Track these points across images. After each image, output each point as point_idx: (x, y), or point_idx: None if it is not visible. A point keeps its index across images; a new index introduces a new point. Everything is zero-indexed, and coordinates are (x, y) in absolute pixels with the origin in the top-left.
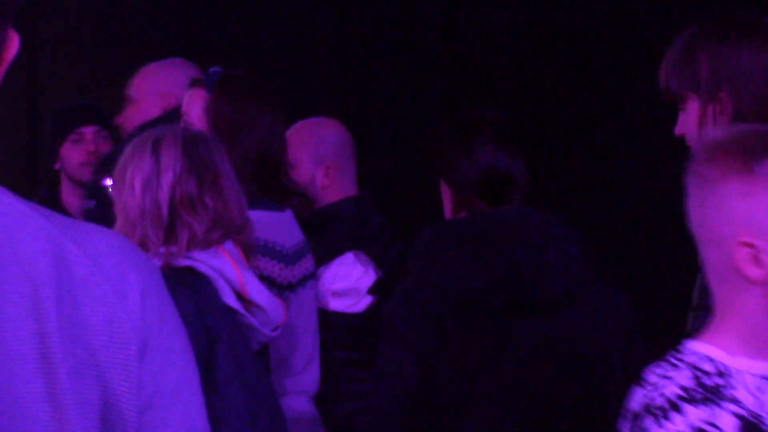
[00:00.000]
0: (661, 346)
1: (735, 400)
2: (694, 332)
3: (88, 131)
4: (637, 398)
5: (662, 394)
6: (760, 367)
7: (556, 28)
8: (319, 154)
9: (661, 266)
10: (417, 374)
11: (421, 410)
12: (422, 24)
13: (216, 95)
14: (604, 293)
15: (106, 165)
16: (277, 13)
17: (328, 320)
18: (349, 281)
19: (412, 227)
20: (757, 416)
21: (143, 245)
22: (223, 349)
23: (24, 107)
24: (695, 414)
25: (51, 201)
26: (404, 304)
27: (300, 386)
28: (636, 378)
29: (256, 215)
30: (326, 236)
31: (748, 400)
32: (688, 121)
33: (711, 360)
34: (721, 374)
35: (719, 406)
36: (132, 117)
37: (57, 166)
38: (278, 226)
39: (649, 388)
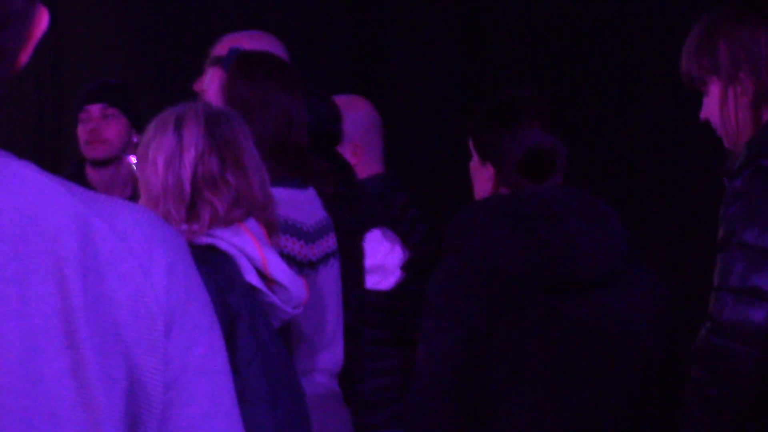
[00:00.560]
0: (687, 326)
1: None
2: (715, 313)
3: (94, 109)
4: None
5: None
6: None
7: (577, 8)
8: (347, 132)
9: (683, 248)
10: (466, 351)
11: (469, 387)
12: (440, 8)
13: (231, 74)
14: (640, 273)
15: None
16: (294, 3)
17: (369, 300)
18: (376, 258)
19: (435, 207)
20: None
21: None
22: (244, 327)
23: (50, 85)
24: None
25: (76, 178)
26: (451, 281)
27: (322, 364)
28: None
29: (276, 193)
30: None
31: None
32: (711, 105)
33: None
34: None
35: None
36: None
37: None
38: (299, 204)
39: None
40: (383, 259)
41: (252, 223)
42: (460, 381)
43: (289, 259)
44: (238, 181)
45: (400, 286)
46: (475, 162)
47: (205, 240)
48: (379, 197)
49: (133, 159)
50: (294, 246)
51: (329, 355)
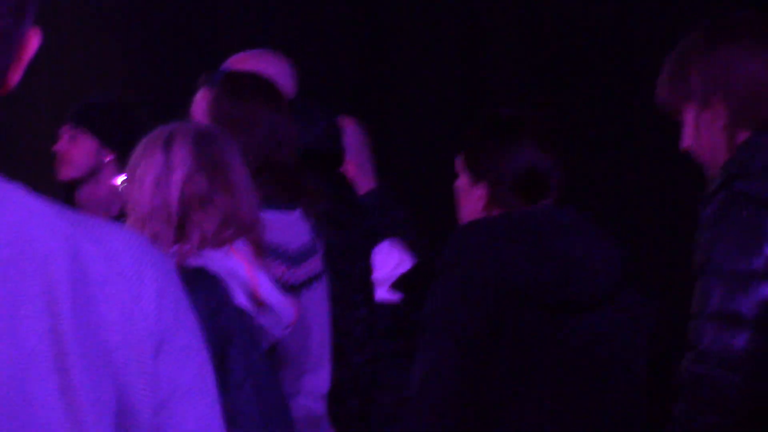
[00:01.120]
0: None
1: None
2: (696, 341)
3: (64, 130)
4: None
5: None
6: None
7: (572, 25)
8: None
9: (668, 272)
10: (468, 370)
11: (472, 405)
12: (438, 20)
13: (216, 94)
14: (632, 294)
15: None
16: (295, 10)
17: (379, 312)
18: (385, 270)
19: (429, 224)
20: None
21: (154, 243)
22: (235, 350)
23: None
24: None
25: (67, 197)
26: (454, 299)
27: (307, 386)
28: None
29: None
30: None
31: None
32: (688, 133)
33: None
34: None
35: None
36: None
37: None
38: (283, 226)
39: None
40: (393, 270)
41: (241, 244)
42: (461, 399)
43: None
44: (227, 201)
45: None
46: (464, 181)
47: (195, 262)
48: (378, 210)
49: (120, 178)
50: (277, 269)
51: (314, 378)
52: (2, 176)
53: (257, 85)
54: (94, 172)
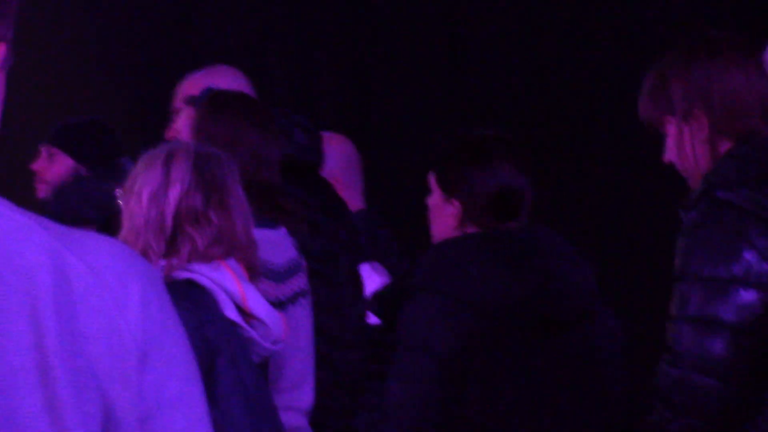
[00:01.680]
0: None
1: None
2: (673, 343)
3: (42, 150)
4: None
5: None
6: None
7: (561, 42)
8: (326, 169)
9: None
10: (444, 389)
11: (448, 423)
12: (426, 39)
13: (201, 113)
14: (605, 311)
15: None
16: (283, 29)
17: (372, 333)
18: (366, 293)
19: (415, 243)
20: None
21: (144, 255)
22: (223, 362)
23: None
24: None
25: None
26: (429, 317)
27: (291, 402)
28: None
29: None
30: None
31: None
32: (671, 146)
33: None
34: None
35: None
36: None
37: None
38: (268, 244)
39: None
40: (371, 293)
41: (232, 261)
42: (438, 418)
43: None
44: (221, 220)
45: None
46: (436, 198)
47: (183, 274)
48: (365, 233)
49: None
50: (263, 285)
51: (298, 393)
52: None
53: (241, 104)
54: None
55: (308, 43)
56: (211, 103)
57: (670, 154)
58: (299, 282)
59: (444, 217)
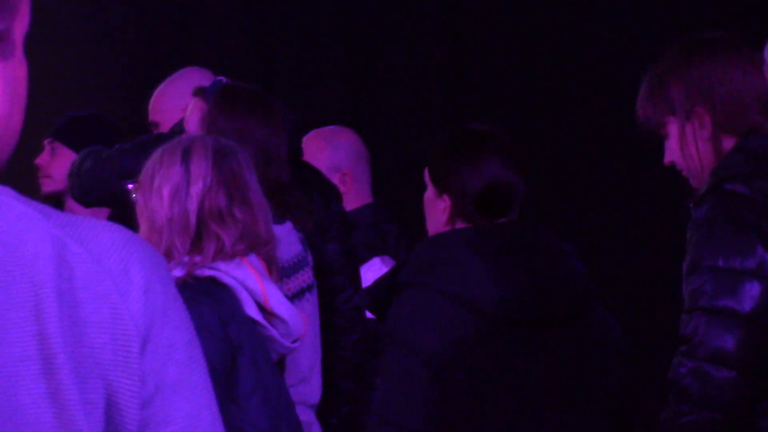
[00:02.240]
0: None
1: None
2: (689, 335)
3: (45, 144)
4: None
5: None
6: None
7: (562, 40)
8: (334, 162)
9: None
10: (431, 385)
11: (434, 420)
12: (429, 33)
13: (211, 106)
14: (597, 312)
15: None
16: (287, 24)
17: (367, 325)
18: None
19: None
20: None
21: (168, 253)
22: (245, 360)
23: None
24: None
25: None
26: (415, 314)
27: (299, 397)
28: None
29: None
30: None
31: None
32: (672, 146)
33: None
34: None
35: None
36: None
37: None
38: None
39: None
40: None
41: (253, 257)
42: (424, 415)
43: None
44: (245, 216)
45: None
46: (430, 193)
47: (206, 272)
48: (371, 226)
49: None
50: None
51: (306, 388)
52: None
53: (252, 99)
54: None
55: (313, 38)
56: (223, 97)
57: (671, 154)
58: (305, 277)
59: (436, 213)
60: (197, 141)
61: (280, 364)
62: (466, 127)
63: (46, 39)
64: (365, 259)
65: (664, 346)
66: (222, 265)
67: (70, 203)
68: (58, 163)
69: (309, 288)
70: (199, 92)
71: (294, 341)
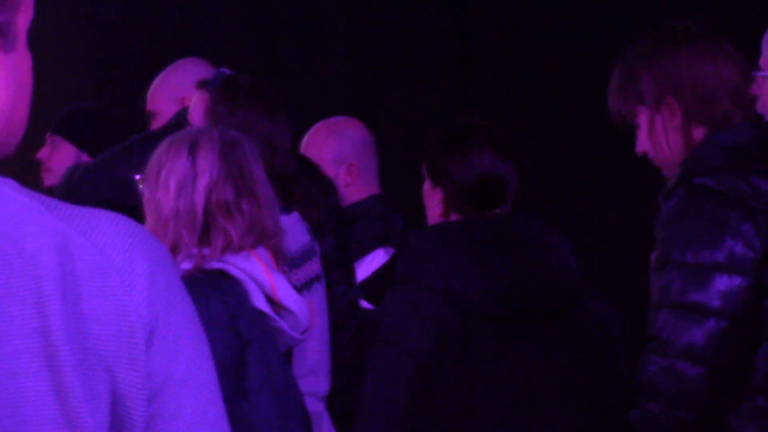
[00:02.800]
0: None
1: None
2: (657, 331)
3: (46, 138)
4: None
5: None
6: None
7: (569, 33)
8: (341, 153)
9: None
10: (416, 380)
11: (421, 416)
12: (432, 26)
13: (214, 98)
14: (592, 303)
15: None
16: (290, 17)
17: (364, 318)
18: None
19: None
20: None
21: (175, 246)
22: (254, 353)
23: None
24: None
25: None
26: (403, 309)
27: (308, 387)
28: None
29: None
30: (353, 235)
31: None
32: (643, 136)
33: None
34: None
35: None
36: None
37: None
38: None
39: None
40: None
41: (261, 250)
42: (409, 412)
43: None
44: (252, 209)
45: None
46: (426, 186)
47: (214, 265)
48: (377, 217)
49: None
50: None
51: (315, 379)
52: None
53: (254, 91)
54: None
55: (318, 30)
56: (225, 89)
57: (642, 144)
58: (313, 267)
59: (432, 205)
60: (204, 133)
61: (288, 356)
62: (454, 120)
63: (46, 32)
64: (369, 250)
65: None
66: (230, 258)
67: None
68: (58, 157)
69: (317, 278)
70: (203, 84)
71: (302, 332)
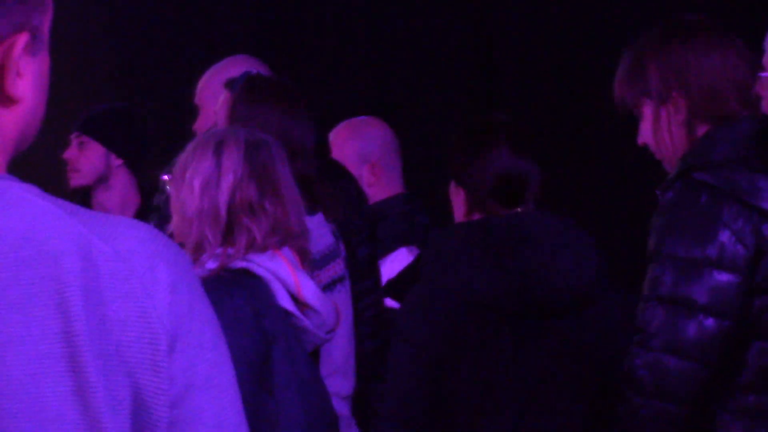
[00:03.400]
0: None
1: None
2: (645, 324)
3: (72, 138)
4: None
5: None
6: None
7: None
8: (364, 152)
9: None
10: (432, 378)
11: (438, 413)
12: (455, 26)
13: (236, 98)
14: (614, 300)
15: None
16: (314, 18)
17: (387, 317)
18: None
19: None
20: None
21: (200, 245)
22: (279, 351)
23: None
24: None
25: (84, 203)
26: (418, 307)
27: (333, 388)
28: None
29: None
30: (377, 234)
31: None
32: (646, 128)
33: None
34: None
35: None
36: (202, 124)
37: None
38: None
39: None
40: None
41: (286, 250)
42: (426, 410)
43: None
44: (276, 209)
45: None
46: (452, 185)
47: (239, 264)
48: (401, 217)
49: (167, 178)
50: None
51: (340, 380)
52: (14, 179)
53: (275, 91)
54: (103, 179)
55: (340, 29)
56: (246, 87)
57: (645, 136)
58: (337, 268)
59: (457, 205)
60: (230, 134)
61: (314, 356)
62: (474, 118)
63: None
64: (393, 249)
65: None
66: (255, 257)
67: (99, 197)
68: (86, 157)
69: (341, 279)
70: (229, 84)
71: (328, 332)
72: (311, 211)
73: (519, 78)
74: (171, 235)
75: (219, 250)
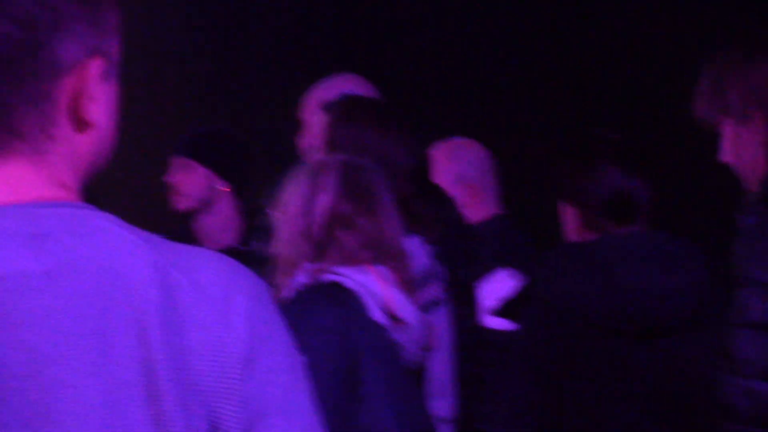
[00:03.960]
0: None
1: None
2: (735, 351)
3: (174, 161)
4: None
5: None
6: None
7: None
8: (459, 174)
9: None
10: (545, 398)
11: (550, 429)
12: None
13: (332, 119)
14: (721, 318)
15: None
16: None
17: (487, 338)
18: (495, 298)
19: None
20: None
21: (294, 262)
22: (368, 363)
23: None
24: None
25: (185, 227)
26: (530, 327)
27: (432, 410)
28: None
29: None
30: (474, 255)
31: None
32: (726, 146)
33: None
34: None
35: None
36: (304, 139)
37: None
38: None
39: None
40: (502, 299)
41: (382, 268)
42: (539, 427)
43: None
44: (370, 225)
45: None
46: (560, 204)
47: (330, 277)
48: (498, 238)
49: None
50: None
51: (441, 403)
52: (95, 209)
53: (371, 112)
54: (209, 203)
55: (428, 55)
56: (341, 108)
57: (725, 155)
58: (433, 291)
59: (567, 222)
60: (330, 159)
61: (419, 376)
62: (580, 136)
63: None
64: (490, 269)
65: None
66: (345, 270)
67: (202, 220)
68: (192, 181)
69: (437, 302)
70: (326, 107)
71: (422, 348)
72: (408, 233)
73: (613, 91)
74: (273, 257)
75: (311, 265)
